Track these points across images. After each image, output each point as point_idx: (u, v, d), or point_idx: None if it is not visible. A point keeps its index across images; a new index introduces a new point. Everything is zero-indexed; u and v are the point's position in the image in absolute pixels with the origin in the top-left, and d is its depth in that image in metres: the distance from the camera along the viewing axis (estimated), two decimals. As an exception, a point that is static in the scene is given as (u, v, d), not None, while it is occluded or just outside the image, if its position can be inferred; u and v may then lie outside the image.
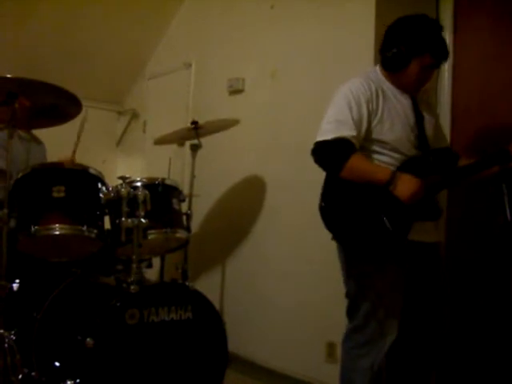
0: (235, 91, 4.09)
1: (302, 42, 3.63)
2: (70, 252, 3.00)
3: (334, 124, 2.40)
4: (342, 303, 2.60)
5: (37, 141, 3.68)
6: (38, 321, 2.86)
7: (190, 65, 4.59)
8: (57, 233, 2.72)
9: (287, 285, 3.58)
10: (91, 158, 3.32)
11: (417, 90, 2.60)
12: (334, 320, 2.76)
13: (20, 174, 2.82)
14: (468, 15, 3.28)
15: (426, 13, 2.56)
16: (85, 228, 2.76)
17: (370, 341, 2.48)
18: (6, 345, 2.58)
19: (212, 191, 4.15)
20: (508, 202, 2.29)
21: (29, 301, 3.00)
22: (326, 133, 2.40)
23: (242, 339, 3.65)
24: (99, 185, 2.91)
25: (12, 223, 2.69)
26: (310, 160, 2.45)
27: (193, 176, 3.49)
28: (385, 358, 2.51)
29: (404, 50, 2.43)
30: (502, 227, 2.31)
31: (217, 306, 3.10)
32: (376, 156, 2.48)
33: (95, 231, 2.80)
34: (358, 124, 2.39)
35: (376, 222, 2.37)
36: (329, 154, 2.41)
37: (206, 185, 3.90)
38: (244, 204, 4.02)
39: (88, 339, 2.50)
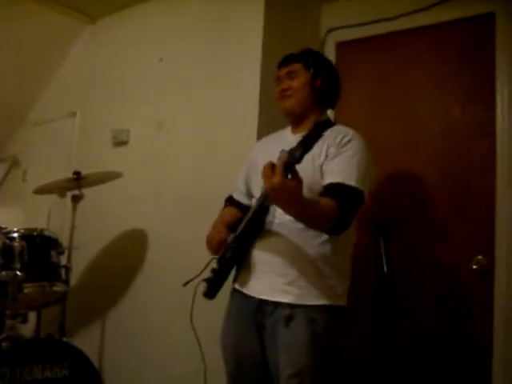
0: (119, 143, 4.05)
1: (190, 93, 3.66)
2: None
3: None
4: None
5: None
6: None
7: (75, 113, 4.51)
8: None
9: (167, 339, 3.49)
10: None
11: None
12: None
13: None
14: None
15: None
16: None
17: None
18: None
19: (93, 244, 4.02)
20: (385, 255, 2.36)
21: None
22: None
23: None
24: (-28, 235, 2.79)
25: None
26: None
27: (73, 228, 3.40)
28: None
29: None
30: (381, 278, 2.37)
31: (96, 363, 3.01)
32: None
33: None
34: None
35: None
36: None
37: (87, 237, 3.79)
38: (126, 257, 3.92)
39: None
